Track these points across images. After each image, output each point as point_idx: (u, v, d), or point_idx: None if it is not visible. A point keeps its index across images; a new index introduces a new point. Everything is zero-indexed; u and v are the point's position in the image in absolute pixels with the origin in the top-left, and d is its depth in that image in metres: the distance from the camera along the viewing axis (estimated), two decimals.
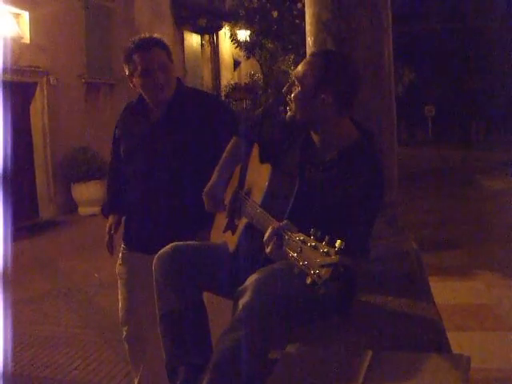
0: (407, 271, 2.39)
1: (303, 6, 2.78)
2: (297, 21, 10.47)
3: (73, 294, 5.17)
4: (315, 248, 1.40)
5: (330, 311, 1.85)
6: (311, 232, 1.44)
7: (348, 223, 1.70)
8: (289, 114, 1.87)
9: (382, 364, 1.60)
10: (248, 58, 13.40)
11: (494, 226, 6.88)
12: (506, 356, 3.33)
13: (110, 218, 2.64)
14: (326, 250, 1.38)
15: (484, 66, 19.84)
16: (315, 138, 1.90)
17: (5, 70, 7.73)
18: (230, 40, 13.59)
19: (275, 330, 1.70)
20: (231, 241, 2.02)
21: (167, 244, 2.00)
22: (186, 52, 13.67)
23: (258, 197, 1.92)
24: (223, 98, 13.98)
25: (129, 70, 2.37)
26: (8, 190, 6.68)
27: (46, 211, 9.43)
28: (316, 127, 1.87)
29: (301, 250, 1.44)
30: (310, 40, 2.61)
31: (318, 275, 1.37)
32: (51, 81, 9.42)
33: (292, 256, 1.46)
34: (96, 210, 9.09)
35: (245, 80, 16.01)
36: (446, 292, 4.30)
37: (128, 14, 11.18)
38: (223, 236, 2.09)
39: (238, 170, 2.17)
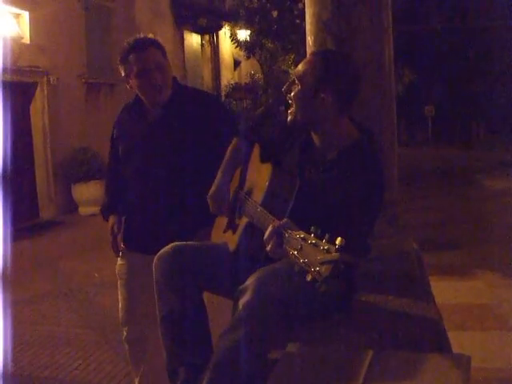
0: (407, 271, 2.39)
1: (303, 5, 2.78)
2: (297, 20, 10.48)
3: (73, 294, 5.17)
4: (315, 245, 1.40)
5: (330, 310, 1.85)
6: (311, 230, 1.44)
7: (348, 223, 1.69)
8: (289, 118, 1.87)
9: (382, 363, 1.60)
10: (248, 57, 13.37)
11: (494, 226, 6.88)
12: (507, 356, 3.34)
13: (111, 219, 2.62)
14: (326, 248, 1.38)
15: (484, 66, 19.83)
16: (315, 138, 1.90)
17: (5, 70, 7.73)
18: (230, 40, 13.57)
19: (275, 330, 1.69)
20: (232, 240, 2.01)
21: (167, 244, 2.00)
22: (186, 52, 13.67)
23: (258, 196, 1.92)
24: (223, 97, 13.98)
25: (125, 71, 2.36)
26: (8, 190, 6.69)
27: (47, 211, 9.43)
28: (316, 127, 1.88)
29: (301, 248, 1.44)
30: (310, 39, 2.62)
31: (319, 272, 1.37)
32: (51, 81, 9.42)
33: (292, 254, 1.46)
34: (96, 210, 8.97)
35: (245, 80, 16.01)
36: (446, 291, 4.30)
37: (128, 14, 11.18)
38: (224, 235, 2.08)
39: (238, 169, 2.17)
